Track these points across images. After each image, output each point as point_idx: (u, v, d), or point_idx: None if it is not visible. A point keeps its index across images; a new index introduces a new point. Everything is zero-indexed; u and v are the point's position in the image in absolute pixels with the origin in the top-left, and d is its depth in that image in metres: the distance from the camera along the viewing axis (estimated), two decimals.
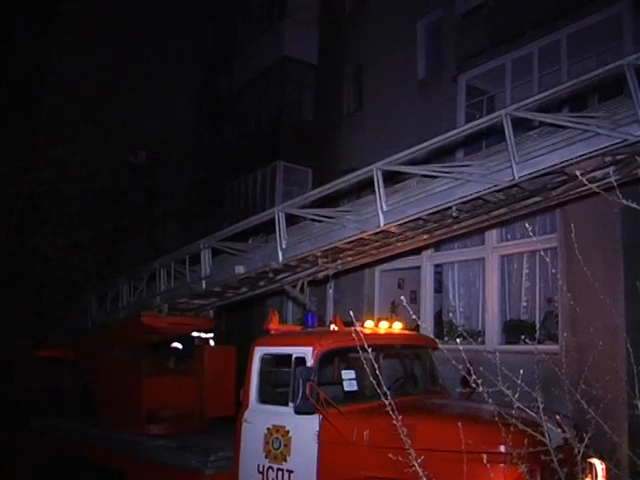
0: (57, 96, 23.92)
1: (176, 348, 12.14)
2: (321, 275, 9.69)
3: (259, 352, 7.41)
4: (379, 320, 8.16)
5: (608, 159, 6.40)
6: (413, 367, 8.22)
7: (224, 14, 24.88)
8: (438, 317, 12.72)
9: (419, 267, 12.80)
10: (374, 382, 4.71)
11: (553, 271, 10.27)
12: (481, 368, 4.69)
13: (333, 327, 7.96)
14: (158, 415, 10.67)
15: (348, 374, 7.01)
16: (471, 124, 7.46)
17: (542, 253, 9.77)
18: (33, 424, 12.22)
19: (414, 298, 13.62)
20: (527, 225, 6.41)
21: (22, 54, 27.62)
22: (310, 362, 6.63)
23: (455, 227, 8.17)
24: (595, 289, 7.16)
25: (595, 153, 6.11)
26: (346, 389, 6.92)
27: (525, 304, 11.35)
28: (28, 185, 18.47)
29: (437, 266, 12.74)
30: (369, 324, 7.99)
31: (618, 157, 6.38)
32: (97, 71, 23.73)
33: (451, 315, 12.18)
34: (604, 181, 6.61)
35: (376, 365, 4.88)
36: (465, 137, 7.99)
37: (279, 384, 7.63)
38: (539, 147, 6.53)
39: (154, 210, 21.74)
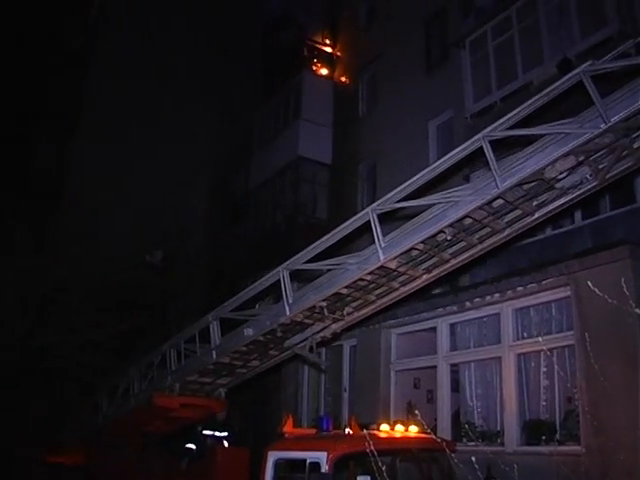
0: (76, 193, 24.49)
1: (190, 449, 11.93)
2: (329, 334, 10.02)
3: (272, 457, 7.26)
4: (395, 423, 8.02)
5: (581, 158, 7.01)
6: (431, 471, 8.00)
7: (241, 114, 25.64)
8: (456, 417, 12.43)
9: (435, 367, 12.63)
10: None
11: (572, 372, 10.08)
12: None
13: (348, 430, 7.80)
14: None
15: None
16: (453, 153, 7.90)
17: (559, 352, 9.66)
18: None
19: (430, 398, 13.37)
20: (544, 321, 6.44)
21: (43, 152, 28.53)
22: (325, 468, 6.49)
23: (452, 261, 8.60)
24: (615, 387, 7.03)
25: (567, 151, 6.80)
26: None
27: (544, 403, 11.06)
28: (45, 282, 18.67)
29: (453, 365, 12.54)
30: (385, 427, 7.85)
31: (590, 157, 7.07)
32: (115, 171, 24.34)
33: (468, 420, 11.90)
34: (583, 189, 7.51)
35: (393, 470, 4.77)
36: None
37: None
38: (518, 159, 7.26)
39: (169, 307, 21.76)
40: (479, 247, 8.39)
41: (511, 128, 7.40)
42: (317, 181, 20.39)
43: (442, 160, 7.95)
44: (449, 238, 7.90)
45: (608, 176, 7.38)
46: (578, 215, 12.04)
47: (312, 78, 21.50)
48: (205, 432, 12.13)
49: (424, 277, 8.92)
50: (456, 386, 12.56)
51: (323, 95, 21.35)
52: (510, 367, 11.15)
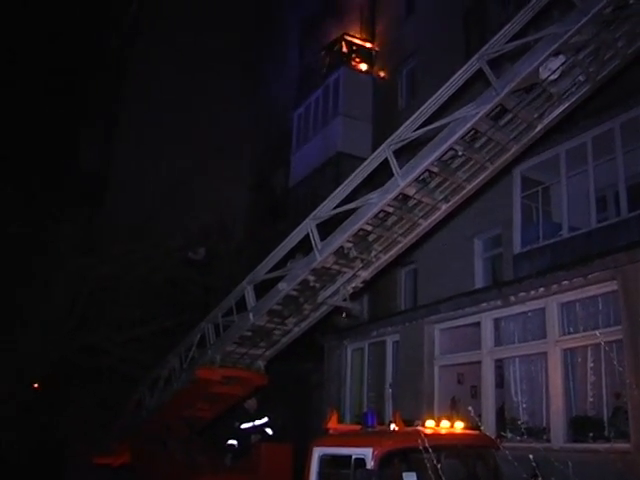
0: (120, 194, 24.83)
1: (231, 445, 12.02)
2: (360, 283, 10.39)
3: (317, 452, 7.27)
4: (440, 419, 7.95)
5: (570, 55, 7.73)
6: (476, 468, 7.93)
7: (281, 112, 25.70)
8: (500, 413, 12.30)
9: (479, 362, 12.51)
10: None
11: (620, 368, 9.89)
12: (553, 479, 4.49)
13: (393, 426, 7.76)
14: None
15: (409, 477, 6.79)
16: (453, 78, 8.58)
17: (606, 347, 9.49)
18: None
19: (474, 393, 13.26)
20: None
21: (88, 153, 29.01)
22: (370, 464, 6.46)
23: (467, 187, 9.16)
24: None
25: (556, 47, 7.47)
26: None
27: (591, 399, 10.88)
28: (91, 281, 18.94)
29: (498, 361, 12.40)
30: (430, 423, 7.79)
31: (579, 55, 7.82)
32: (158, 169, 24.63)
33: (513, 416, 11.74)
34: (577, 94, 8.27)
35: (438, 467, 4.74)
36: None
37: None
38: (512, 68, 7.93)
39: (212, 303, 21.94)
40: (491, 168, 8.95)
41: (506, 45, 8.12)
42: None
43: (444, 87, 8.60)
44: (460, 154, 8.51)
45: (599, 77, 8.16)
46: (624, 207, 11.80)
47: (350, 74, 21.43)
48: (244, 426, 12.21)
49: (443, 207, 9.40)
50: (500, 381, 12.43)
51: (362, 90, 21.28)
52: (556, 362, 10.99)
